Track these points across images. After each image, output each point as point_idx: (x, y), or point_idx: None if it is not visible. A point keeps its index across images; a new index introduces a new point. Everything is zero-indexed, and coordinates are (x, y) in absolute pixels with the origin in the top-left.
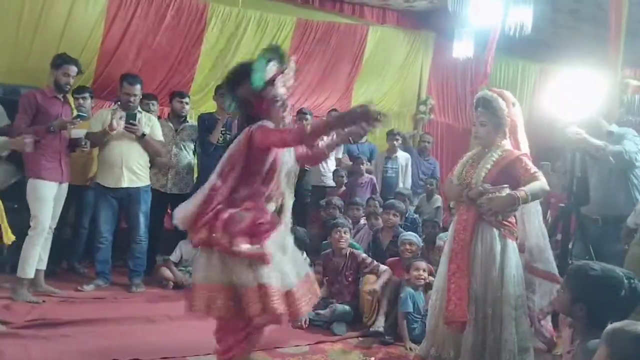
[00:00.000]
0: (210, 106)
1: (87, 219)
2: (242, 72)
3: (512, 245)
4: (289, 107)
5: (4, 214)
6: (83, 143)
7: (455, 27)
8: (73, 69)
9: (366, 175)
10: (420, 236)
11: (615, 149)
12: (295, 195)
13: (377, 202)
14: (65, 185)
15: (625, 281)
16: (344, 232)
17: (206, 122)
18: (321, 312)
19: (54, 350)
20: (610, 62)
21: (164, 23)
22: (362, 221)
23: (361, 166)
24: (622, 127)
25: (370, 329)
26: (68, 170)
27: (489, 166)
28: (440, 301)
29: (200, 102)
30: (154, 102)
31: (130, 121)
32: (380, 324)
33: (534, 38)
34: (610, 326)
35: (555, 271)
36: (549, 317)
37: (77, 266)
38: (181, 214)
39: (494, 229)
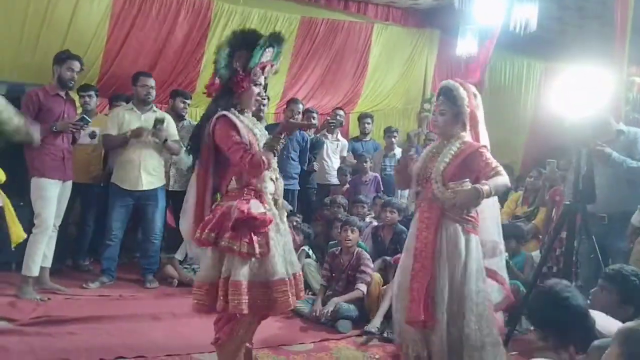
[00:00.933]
0: None
1: (91, 216)
2: (248, 41)
3: (475, 239)
4: (265, 101)
5: (14, 213)
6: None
7: (460, 24)
8: (76, 64)
9: (370, 173)
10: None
11: (633, 165)
12: (300, 194)
13: (382, 200)
14: (69, 183)
15: None
16: (352, 231)
17: None
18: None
19: (59, 348)
20: (616, 60)
21: (169, 21)
22: (367, 219)
23: (364, 164)
24: (628, 126)
25: (365, 329)
26: (71, 168)
27: (447, 159)
28: (403, 300)
29: (206, 100)
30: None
31: (158, 126)
32: (375, 324)
33: (539, 36)
34: (622, 326)
35: (502, 271)
36: (500, 313)
37: (82, 263)
38: (185, 226)
39: (457, 225)
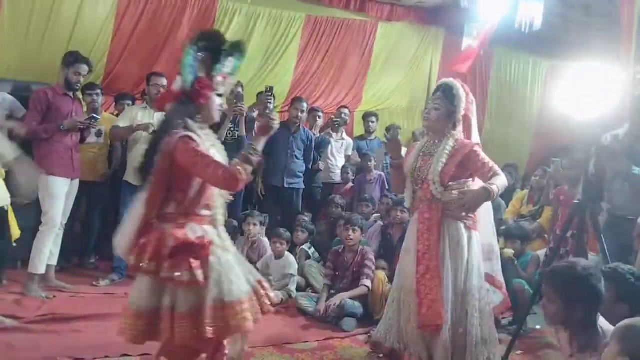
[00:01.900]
0: None
1: (97, 214)
2: (213, 45)
3: (475, 235)
4: (219, 113)
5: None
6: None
7: (465, 22)
8: (84, 68)
9: (375, 172)
10: None
11: (635, 172)
12: (306, 192)
13: (390, 200)
14: (76, 182)
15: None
16: (353, 231)
17: None
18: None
19: (63, 345)
20: (623, 57)
21: (174, 19)
22: (372, 218)
23: (369, 163)
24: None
25: (371, 331)
26: (79, 166)
27: (444, 160)
28: (409, 303)
29: None
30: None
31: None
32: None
33: (545, 33)
34: (621, 323)
35: (499, 275)
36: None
37: (88, 261)
38: (122, 244)
39: (459, 222)
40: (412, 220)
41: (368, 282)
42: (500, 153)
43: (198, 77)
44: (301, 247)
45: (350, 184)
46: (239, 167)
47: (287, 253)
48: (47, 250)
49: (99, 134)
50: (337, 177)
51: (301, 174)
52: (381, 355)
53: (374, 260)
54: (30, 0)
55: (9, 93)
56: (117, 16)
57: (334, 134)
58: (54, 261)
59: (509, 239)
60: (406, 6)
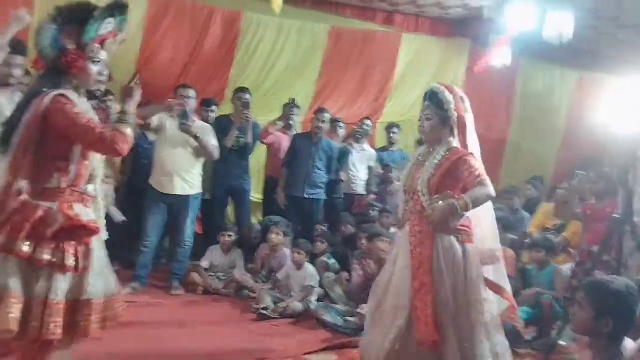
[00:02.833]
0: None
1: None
2: (79, 15)
3: (471, 248)
4: (105, 75)
5: None
6: None
7: (491, 34)
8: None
9: (397, 183)
10: None
11: None
12: (327, 203)
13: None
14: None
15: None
16: (381, 242)
17: (222, 125)
18: (350, 319)
19: (83, 352)
20: None
21: (200, 31)
22: (393, 229)
23: (391, 174)
24: None
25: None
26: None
27: (432, 169)
28: (406, 320)
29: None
30: (214, 107)
31: (182, 121)
32: None
33: (573, 45)
34: (589, 279)
35: (501, 281)
36: None
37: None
38: None
39: (452, 237)
40: (403, 233)
41: None
42: (525, 165)
43: (65, 49)
44: (321, 257)
45: (373, 195)
46: (117, 126)
47: (307, 264)
48: None
49: None
50: (358, 188)
51: (322, 185)
52: None
53: None
54: None
55: None
56: (144, 30)
57: (355, 145)
58: None
59: (534, 248)
60: (431, 17)
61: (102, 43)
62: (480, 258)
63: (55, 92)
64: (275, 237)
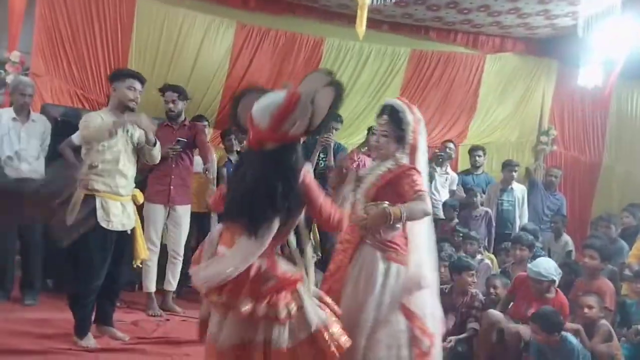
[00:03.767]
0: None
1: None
2: None
3: (396, 269)
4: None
5: (142, 232)
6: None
7: (581, 54)
8: (171, 95)
9: (481, 207)
10: None
11: None
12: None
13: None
14: (181, 209)
15: None
16: (474, 276)
17: (308, 147)
18: None
19: None
20: None
21: (283, 57)
22: (479, 257)
23: (474, 199)
24: None
25: None
26: (180, 194)
27: (374, 179)
28: None
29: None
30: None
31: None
32: None
33: None
34: None
35: (419, 308)
36: None
37: None
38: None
39: (377, 252)
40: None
41: (476, 325)
42: (621, 191)
43: None
44: None
45: (455, 220)
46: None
47: None
48: (153, 271)
49: (204, 169)
50: (439, 211)
51: None
52: None
53: (483, 301)
54: (155, 46)
55: None
56: (231, 57)
57: (437, 169)
58: (172, 287)
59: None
60: (517, 38)
61: None
62: (405, 282)
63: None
64: None
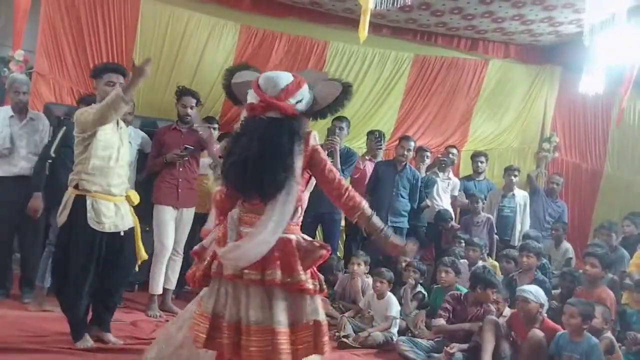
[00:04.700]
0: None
1: None
2: None
3: None
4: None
5: (140, 235)
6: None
7: (585, 61)
8: (190, 100)
9: (483, 214)
10: (549, 286)
11: None
12: (409, 232)
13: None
14: (187, 212)
15: None
16: (495, 293)
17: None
18: (436, 355)
19: None
20: None
21: (288, 60)
22: (480, 263)
23: (476, 205)
24: None
25: None
26: (187, 196)
27: None
28: None
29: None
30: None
31: None
32: None
33: None
34: None
35: None
36: None
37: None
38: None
39: None
40: None
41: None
42: (622, 199)
43: None
44: (416, 289)
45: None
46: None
47: (389, 294)
48: (161, 272)
49: (212, 165)
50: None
51: (406, 213)
52: None
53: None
54: (159, 47)
55: (137, 128)
56: (235, 59)
57: (440, 174)
58: (172, 286)
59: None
60: (520, 44)
61: None
62: None
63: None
64: (357, 267)
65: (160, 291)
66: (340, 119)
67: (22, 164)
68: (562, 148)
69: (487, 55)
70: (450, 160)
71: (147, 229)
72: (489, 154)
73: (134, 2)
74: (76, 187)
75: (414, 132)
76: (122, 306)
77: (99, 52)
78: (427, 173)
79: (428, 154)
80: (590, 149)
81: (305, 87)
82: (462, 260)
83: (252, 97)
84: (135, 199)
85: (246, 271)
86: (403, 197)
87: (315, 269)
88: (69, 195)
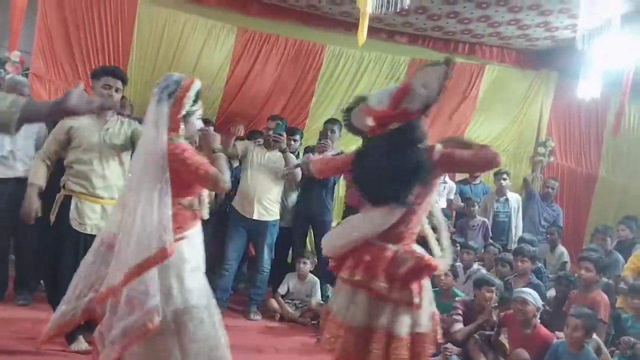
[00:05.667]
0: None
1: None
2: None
3: None
4: None
5: None
6: None
7: (580, 66)
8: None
9: (478, 217)
10: (544, 289)
11: None
12: None
13: (497, 249)
14: None
15: None
16: (494, 293)
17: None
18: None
19: None
20: None
21: (284, 64)
22: (475, 266)
23: (472, 208)
24: None
25: None
26: None
27: None
28: None
29: (313, 136)
30: (297, 136)
31: (278, 132)
32: None
33: None
34: None
35: None
36: None
37: None
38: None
39: None
40: None
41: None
42: (617, 203)
43: None
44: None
45: (452, 229)
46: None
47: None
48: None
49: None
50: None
51: None
52: None
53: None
54: (156, 50)
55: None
56: (232, 62)
57: None
58: None
59: (633, 295)
60: (516, 49)
61: None
62: None
63: None
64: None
65: None
66: (333, 121)
67: (18, 166)
68: (557, 152)
69: (483, 60)
70: None
71: None
72: None
73: (131, 4)
74: (64, 187)
75: None
76: None
77: (95, 54)
78: None
79: None
80: (585, 154)
81: (412, 90)
82: (457, 264)
83: (368, 122)
84: None
85: None
86: None
87: None
88: (59, 195)
